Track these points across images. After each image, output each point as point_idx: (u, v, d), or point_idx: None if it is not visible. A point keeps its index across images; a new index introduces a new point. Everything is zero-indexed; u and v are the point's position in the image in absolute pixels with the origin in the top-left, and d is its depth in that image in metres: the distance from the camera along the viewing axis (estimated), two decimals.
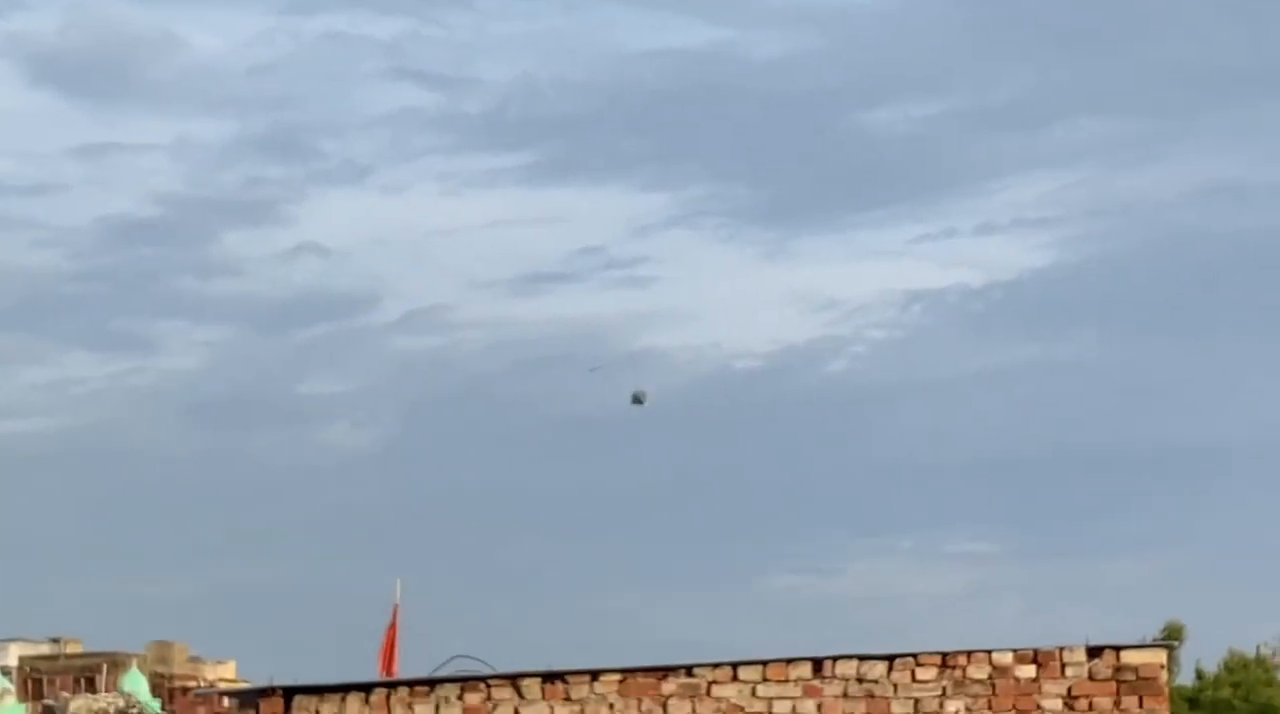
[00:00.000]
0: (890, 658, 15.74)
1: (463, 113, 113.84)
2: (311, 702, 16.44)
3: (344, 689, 16.46)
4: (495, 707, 16.18)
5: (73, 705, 18.55)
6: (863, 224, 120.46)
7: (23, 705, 46.76)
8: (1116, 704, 15.39)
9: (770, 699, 15.81)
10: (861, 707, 15.65)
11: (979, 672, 15.56)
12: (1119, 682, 15.42)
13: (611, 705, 16.01)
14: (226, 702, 25.01)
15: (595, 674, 16.11)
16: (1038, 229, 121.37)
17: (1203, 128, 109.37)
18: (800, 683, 15.80)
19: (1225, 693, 50.38)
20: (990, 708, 15.48)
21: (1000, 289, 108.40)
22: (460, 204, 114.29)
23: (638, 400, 21.18)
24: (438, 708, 16.27)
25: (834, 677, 15.76)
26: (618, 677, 16.08)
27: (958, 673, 15.58)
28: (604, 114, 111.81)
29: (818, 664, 15.83)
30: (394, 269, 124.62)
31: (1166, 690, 15.62)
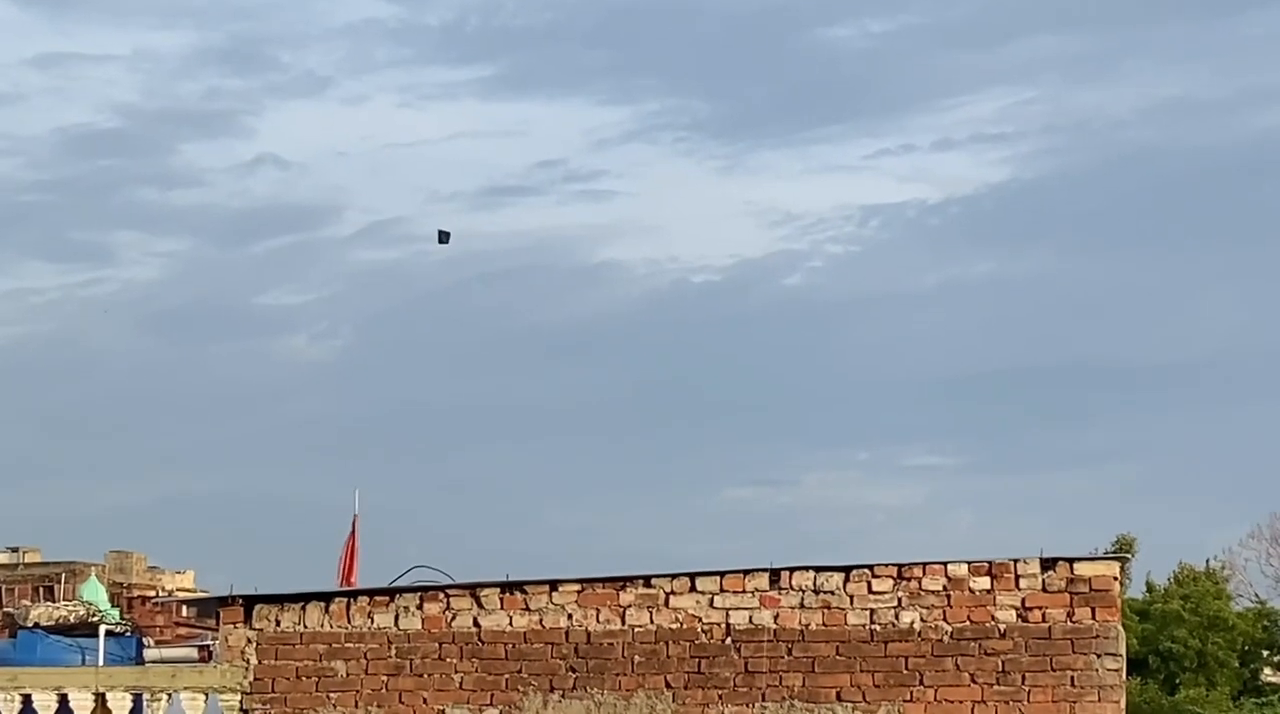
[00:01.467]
0: (846, 569, 15.85)
1: (422, 24, 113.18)
2: (271, 611, 16.50)
3: (304, 599, 16.52)
4: (454, 616, 16.26)
5: (34, 613, 18.58)
6: (820, 139, 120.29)
7: None
8: (1069, 616, 15.53)
9: (727, 610, 15.92)
10: (818, 617, 15.78)
11: (934, 583, 15.69)
12: (1072, 594, 15.56)
13: (570, 616, 16.10)
14: (186, 610, 25.11)
15: (554, 584, 16.19)
16: (995, 144, 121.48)
17: (1158, 44, 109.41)
18: (757, 594, 15.91)
19: (1175, 605, 50.87)
20: (945, 619, 15.62)
21: (957, 204, 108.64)
22: (420, 116, 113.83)
23: (443, 239, 20.91)
24: (397, 618, 16.34)
25: (790, 588, 15.88)
26: (576, 587, 16.16)
27: (913, 584, 15.70)
28: (563, 27, 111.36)
29: (774, 575, 15.94)
30: (353, 181, 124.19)
31: (1119, 602, 15.79)
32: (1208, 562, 54.55)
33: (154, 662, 17.60)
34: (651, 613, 16.00)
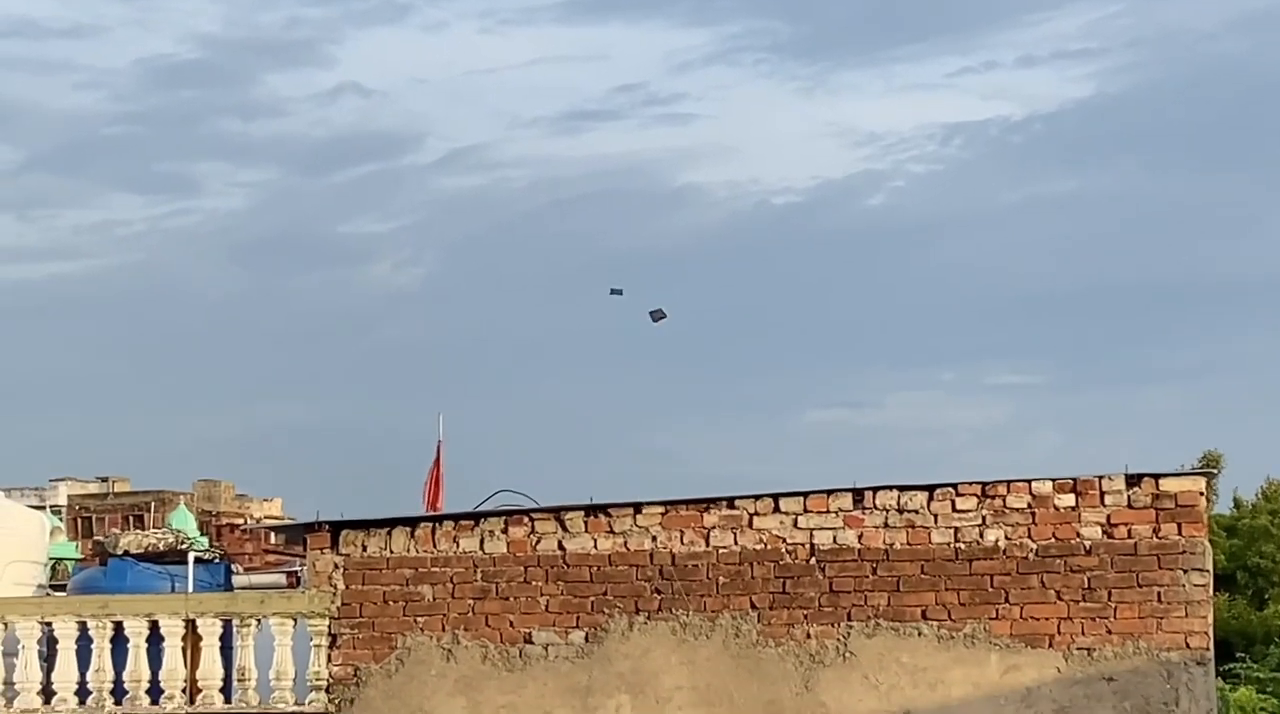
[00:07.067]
0: (930, 488, 15.81)
1: None
2: (358, 536, 16.61)
3: (390, 524, 16.62)
4: (539, 540, 16.32)
5: (123, 540, 18.69)
6: (902, 58, 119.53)
7: (73, 543, 47.40)
8: (1155, 532, 15.45)
9: (811, 530, 15.92)
10: (902, 536, 15.75)
11: (1018, 501, 15.62)
12: (1158, 509, 15.47)
13: (654, 538, 16.13)
14: (274, 537, 25.31)
15: (638, 507, 16.21)
16: (1078, 60, 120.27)
17: None
18: (841, 514, 15.90)
19: (1263, 521, 50.55)
20: (1030, 536, 15.56)
21: (1040, 121, 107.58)
22: (500, 42, 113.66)
23: (657, 316, 20.68)
24: (482, 541, 16.42)
25: (874, 507, 15.85)
26: (660, 509, 16.18)
27: (997, 502, 15.65)
28: None
29: (858, 495, 15.91)
30: (435, 108, 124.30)
31: (1205, 518, 15.68)
32: None
33: (243, 588, 17.74)
34: (736, 534, 16.02)
